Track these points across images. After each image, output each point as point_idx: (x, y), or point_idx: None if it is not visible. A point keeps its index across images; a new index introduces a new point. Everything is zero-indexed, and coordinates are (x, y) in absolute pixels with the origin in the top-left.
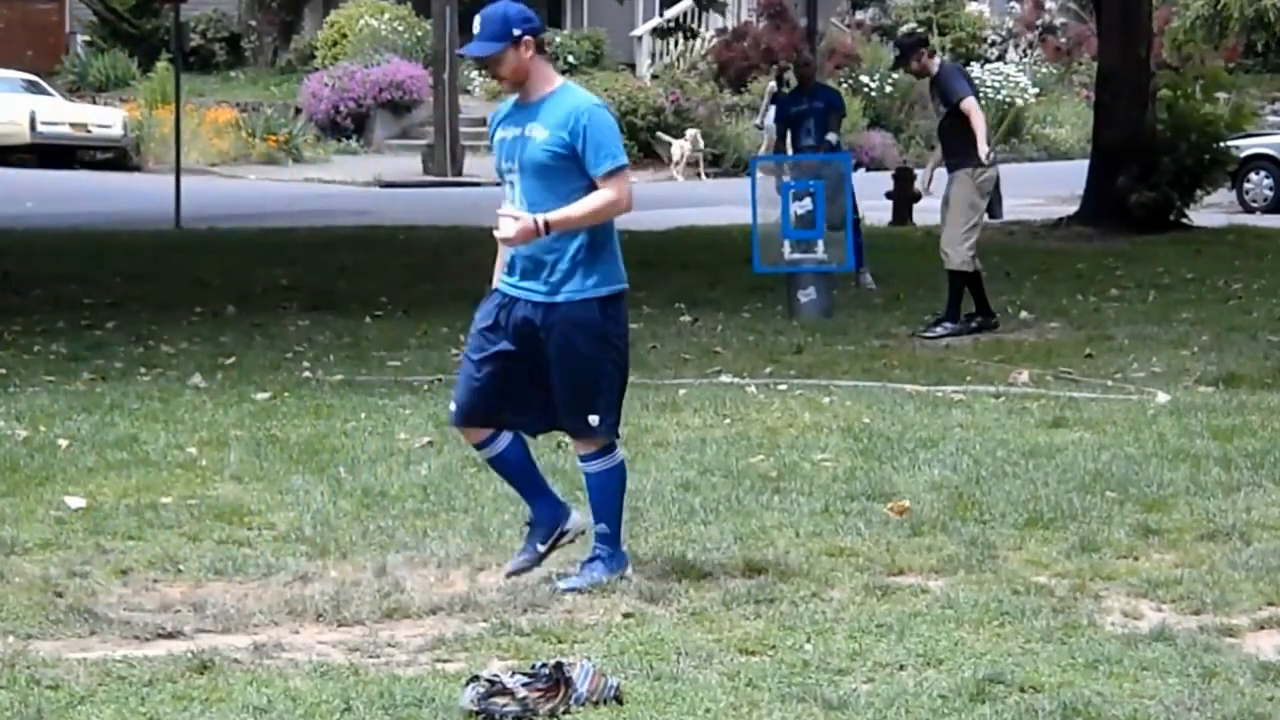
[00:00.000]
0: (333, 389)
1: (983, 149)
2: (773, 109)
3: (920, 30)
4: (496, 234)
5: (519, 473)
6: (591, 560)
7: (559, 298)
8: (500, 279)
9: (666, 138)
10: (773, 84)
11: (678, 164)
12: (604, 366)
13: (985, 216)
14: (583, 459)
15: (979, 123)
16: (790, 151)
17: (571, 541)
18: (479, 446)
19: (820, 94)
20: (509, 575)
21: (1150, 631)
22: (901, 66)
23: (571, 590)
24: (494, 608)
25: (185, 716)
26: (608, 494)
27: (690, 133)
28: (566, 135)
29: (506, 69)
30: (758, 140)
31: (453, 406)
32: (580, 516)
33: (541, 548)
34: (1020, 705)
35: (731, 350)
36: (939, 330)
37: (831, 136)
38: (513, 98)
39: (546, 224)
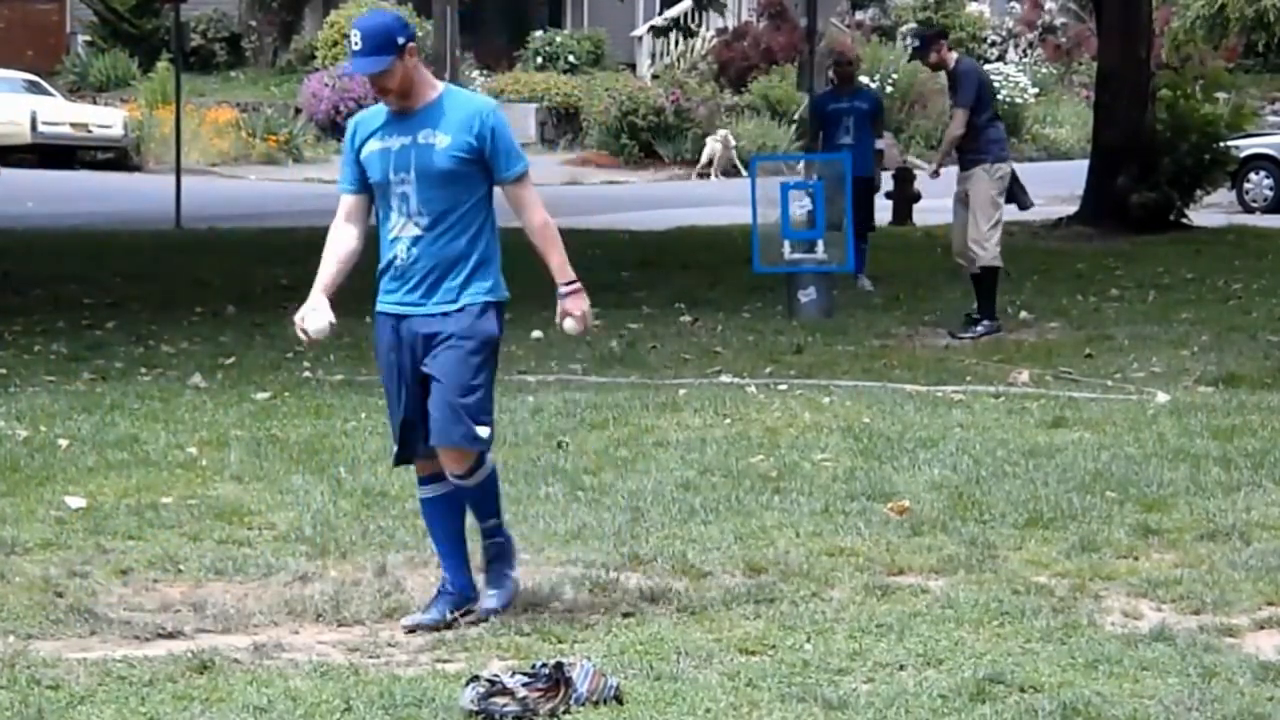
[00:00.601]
0: (333, 389)
1: (934, 165)
2: None
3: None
4: (569, 329)
5: (454, 527)
6: (494, 561)
7: (459, 303)
8: (385, 302)
9: (712, 140)
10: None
11: (711, 165)
12: (490, 375)
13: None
14: (459, 476)
15: (951, 134)
16: (822, 149)
17: (474, 620)
18: (426, 481)
19: (862, 95)
20: (407, 629)
21: (1150, 631)
22: (920, 57)
23: (494, 611)
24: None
25: (185, 716)
26: (490, 497)
27: (721, 133)
28: (473, 139)
29: (395, 81)
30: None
31: (394, 447)
32: (492, 603)
33: (450, 615)
34: (1020, 705)
35: (731, 350)
36: (979, 330)
37: (880, 142)
38: (377, 108)
39: (577, 288)
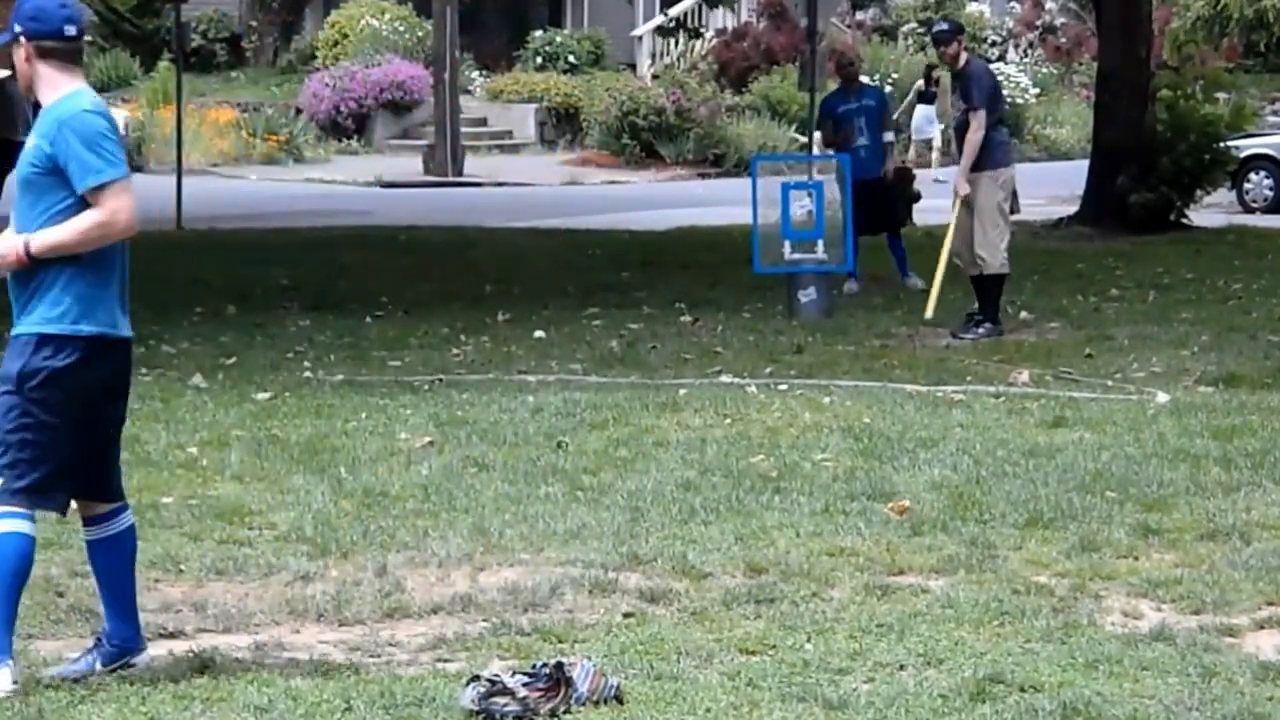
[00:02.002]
0: (333, 389)
1: (961, 179)
2: (920, 108)
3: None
4: None
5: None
6: None
7: (16, 329)
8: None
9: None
10: (920, 82)
11: None
12: (26, 414)
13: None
14: None
15: (971, 144)
16: (837, 150)
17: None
18: (85, 523)
19: (868, 93)
20: (55, 679)
21: (1150, 631)
22: (943, 43)
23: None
24: (494, 608)
25: (186, 716)
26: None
27: (816, 135)
28: (48, 147)
29: (16, 68)
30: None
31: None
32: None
33: (101, 668)
34: (1020, 705)
35: (731, 350)
36: (980, 331)
37: (889, 135)
38: None
39: (28, 248)
